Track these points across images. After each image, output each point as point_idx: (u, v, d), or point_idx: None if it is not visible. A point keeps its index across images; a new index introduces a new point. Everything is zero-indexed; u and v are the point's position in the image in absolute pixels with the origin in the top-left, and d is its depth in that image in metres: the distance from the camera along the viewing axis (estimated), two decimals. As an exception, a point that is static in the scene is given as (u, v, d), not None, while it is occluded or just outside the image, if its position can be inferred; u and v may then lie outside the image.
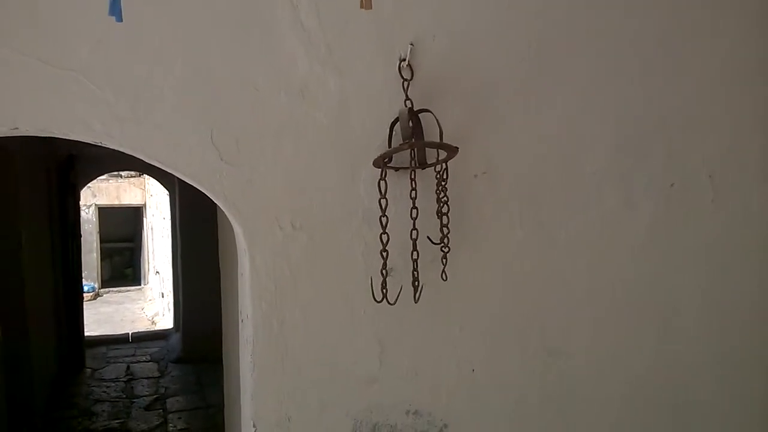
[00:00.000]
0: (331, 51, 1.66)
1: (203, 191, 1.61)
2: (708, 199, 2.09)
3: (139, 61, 1.48)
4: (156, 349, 7.85)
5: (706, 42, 2.04)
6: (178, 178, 5.40)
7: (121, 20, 1.16)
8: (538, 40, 1.85)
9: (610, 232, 1.99)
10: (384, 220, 1.63)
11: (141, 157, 1.53)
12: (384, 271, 1.64)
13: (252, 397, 1.65)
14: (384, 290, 1.65)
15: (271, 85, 1.61)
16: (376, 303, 1.71)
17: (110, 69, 1.46)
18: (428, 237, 1.72)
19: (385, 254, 1.64)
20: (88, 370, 6.95)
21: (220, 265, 3.03)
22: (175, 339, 7.85)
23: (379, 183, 1.63)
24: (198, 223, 6.97)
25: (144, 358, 7.45)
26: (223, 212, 2.66)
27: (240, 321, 1.79)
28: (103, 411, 5.70)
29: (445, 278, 1.74)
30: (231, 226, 1.80)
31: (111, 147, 1.49)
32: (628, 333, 2.05)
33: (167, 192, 8.67)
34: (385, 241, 1.63)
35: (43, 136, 1.47)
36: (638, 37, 1.96)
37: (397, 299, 1.67)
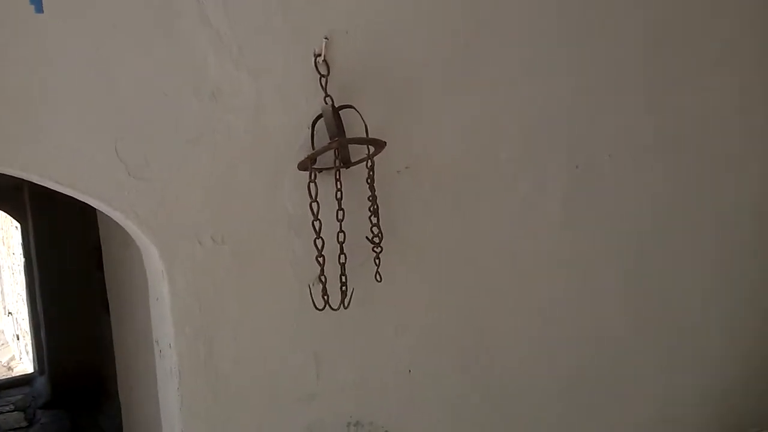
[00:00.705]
0: (242, 50, 1.54)
1: (109, 211, 1.43)
2: (610, 179, 2.19)
3: (27, 66, 1.28)
4: (19, 397, 7.05)
5: (598, 40, 2.13)
6: (30, 207, 4.90)
7: (42, 11, 0.98)
8: (456, 29, 1.83)
9: (526, 217, 2.02)
10: (317, 224, 1.54)
11: (35, 179, 1.33)
12: (323, 278, 1.55)
13: (182, 432, 1.49)
14: (325, 297, 1.56)
15: (180, 89, 1.47)
16: (309, 314, 1.61)
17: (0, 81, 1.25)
18: (367, 237, 1.65)
19: (321, 260, 1.55)
20: (-59, 430, 6.11)
21: (110, 296, 2.75)
22: (41, 383, 7.11)
23: (309, 186, 1.54)
24: (59, 253, 6.38)
25: (7, 408, 6.66)
26: (116, 236, 2.43)
27: (157, 352, 1.61)
28: (-34, 475, 5.02)
29: (379, 279, 1.68)
30: (132, 249, 1.63)
31: (1, 170, 1.28)
32: (549, 319, 2.09)
33: (18, 224, 7.85)
34: (320, 247, 1.54)
35: None
36: (543, 36, 2.00)
37: (341, 304, 1.58)
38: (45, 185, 1.36)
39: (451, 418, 1.90)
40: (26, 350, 9.38)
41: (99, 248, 5.32)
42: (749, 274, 2.57)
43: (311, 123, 1.62)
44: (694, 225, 2.39)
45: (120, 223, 1.50)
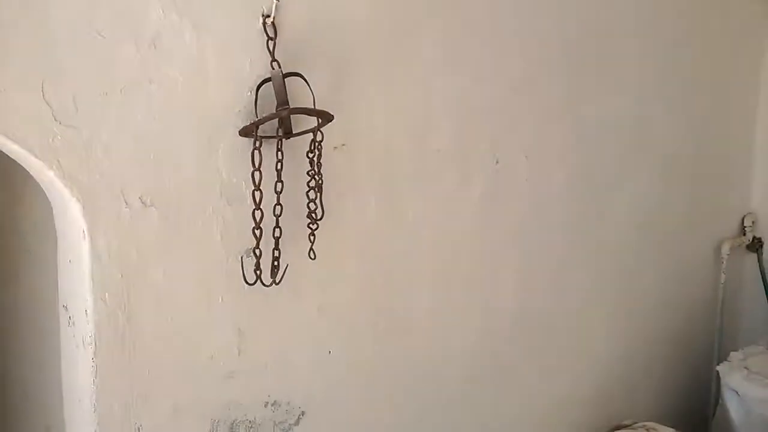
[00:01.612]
0: (187, -1, 1.42)
1: (25, 159, 1.27)
2: (524, 178, 2.28)
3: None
4: None
5: (527, 33, 2.21)
6: None
7: None
8: (398, 15, 1.82)
9: (449, 208, 2.06)
10: (258, 195, 1.46)
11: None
12: (258, 251, 1.48)
13: (93, 407, 1.37)
14: (258, 272, 1.49)
15: (118, 32, 1.32)
16: (235, 289, 1.54)
17: None
18: (310, 212, 1.59)
19: (258, 232, 1.47)
20: None
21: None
22: None
23: (252, 153, 1.45)
24: None
25: None
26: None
27: (67, 319, 1.46)
28: None
29: (313, 257, 1.63)
30: (24, 206, 1.46)
31: None
32: (461, 305, 2.15)
33: None
34: (258, 219, 1.47)
35: None
36: (475, 25, 2.04)
37: (272, 282, 1.52)
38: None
39: (366, 400, 1.90)
40: None
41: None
42: (632, 279, 2.81)
43: (255, 87, 1.53)
44: (587, 227, 2.57)
45: (35, 176, 1.33)
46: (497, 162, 2.19)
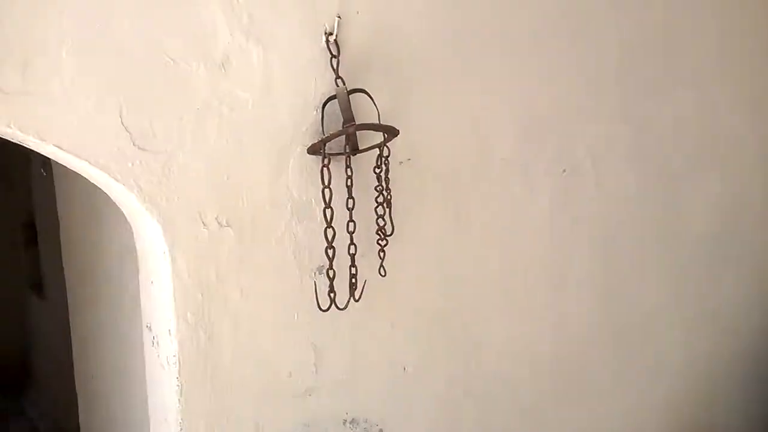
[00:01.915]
0: (252, 19, 1.44)
1: (107, 184, 1.31)
2: (592, 183, 2.22)
3: (30, 19, 1.15)
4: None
5: (590, 39, 2.15)
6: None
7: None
8: (456, 27, 1.80)
9: (517, 218, 2.02)
10: (329, 212, 1.46)
11: (31, 143, 1.20)
12: (331, 272, 1.48)
13: (179, 425, 1.39)
14: (332, 294, 1.48)
15: (188, 55, 1.36)
16: (309, 306, 1.55)
17: (-8, 27, 1.11)
18: (379, 229, 1.58)
19: (331, 252, 1.47)
20: None
21: (68, 277, 2.56)
22: (-45, 370, 6.63)
23: (322, 171, 1.46)
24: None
25: None
26: (75, 214, 2.26)
27: (151, 338, 1.50)
28: None
29: (383, 273, 1.62)
30: (105, 228, 1.51)
31: (-8, 128, 1.14)
32: (532, 318, 2.10)
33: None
34: (330, 237, 1.47)
35: None
36: (537, 32, 2.00)
37: (347, 304, 1.51)
38: (40, 150, 1.22)
39: (444, 417, 1.87)
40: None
41: (31, 225, 5.01)
42: (711, 284, 2.68)
43: (321, 105, 1.54)
44: (662, 232, 2.47)
45: (115, 199, 1.38)
46: (564, 169, 2.13)
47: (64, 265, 2.52)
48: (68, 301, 2.48)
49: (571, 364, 2.22)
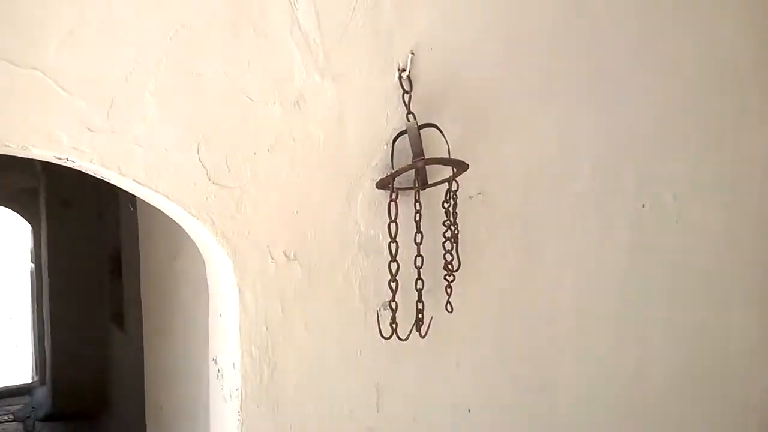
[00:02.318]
0: (329, 58, 1.48)
1: (182, 218, 1.35)
2: (674, 220, 2.12)
3: (116, 61, 1.21)
4: (19, 407, 6.90)
5: (667, 70, 2.08)
6: (46, 211, 4.84)
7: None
8: (528, 60, 1.78)
9: (593, 255, 1.94)
10: (394, 246, 1.45)
11: (113, 178, 1.26)
12: (394, 303, 1.46)
13: (240, 460, 1.39)
14: (393, 325, 1.46)
15: (265, 94, 1.40)
16: (372, 342, 1.52)
17: (82, 69, 1.18)
18: (445, 265, 1.56)
19: (394, 285, 1.46)
20: (-64, 436, 5.96)
21: (144, 308, 2.65)
22: (42, 393, 6.96)
23: (389, 205, 1.46)
24: (71, 260, 6.29)
25: (6, 418, 6.51)
26: (155, 246, 2.35)
27: (215, 371, 1.51)
28: (-38, 485, 4.86)
29: (450, 310, 1.59)
30: (181, 261, 1.54)
31: (77, 165, 1.21)
32: (608, 359, 2.00)
33: (31, 227, 7.78)
34: (394, 271, 1.46)
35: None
36: (609, 65, 1.95)
37: (410, 334, 1.49)
38: (120, 185, 1.28)
39: (509, 461, 1.79)
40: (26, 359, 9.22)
41: (117, 258, 5.25)
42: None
43: (392, 140, 1.55)
44: (750, 272, 2.32)
45: (190, 233, 1.42)
46: (644, 205, 2.05)
47: (142, 298, 2.62)
48: (143, 332, 2.56)
49: (651, 413, 2.09)
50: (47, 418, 6.31)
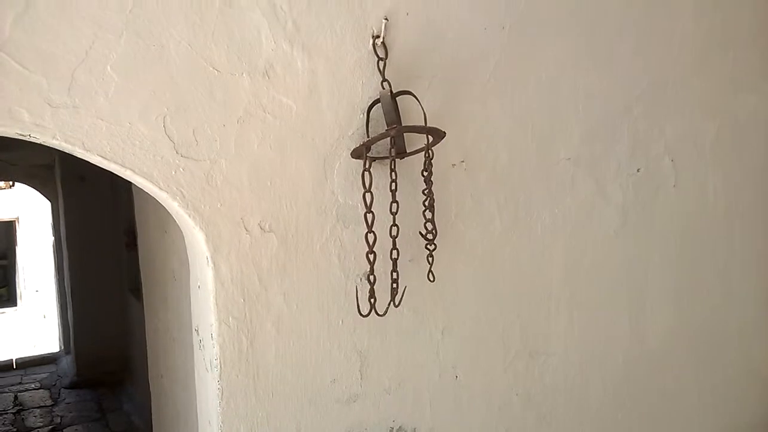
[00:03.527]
0: (298, 27, 1.45)
1: (154, 192, 1.35)
2: (671, 184, 2.07)
3: (75, 35, 1.20)
4: (45, 375, 7.10)
5: (665, 29, 2.02)
6: (62, 186, 4.89)
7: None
8: (510, 23, 1.73)
9: (585, 221, 1.92)
10: (370, 216, 1.44)
11: (78, 153, 1.25)
12: (372, 277, 1.45)
13: (219, 428, 1.41)
14: (372, 300, 1.46)
15: (232, 64, 1.38)
16: (354, 311, 1.52)
17: (40, 44, 1.17)
18: (421, 233, 1.55)
19: (372, 257, 1.45)
20: (-32, 404, 6.17)
21: (143, 279, 2.69)
22: (67, 362, 7.16)
23: (363, 175, 1.44)
24: (89, 234, 6.39)
25: (33, 386, 6.70)
26: (151, 218, 2.36)
27: (198, 341, 1.53)
28: (-9, 450, 5.05)
29: (432, 279, 1.58)
30: (170, 233, 1.55)
31: (41, 141, 1.20)
32: (602, 325, 1.99)
33: (49, 202, 7.90)
34: (372, 242, 1.45)
35: (-51, 127, 1.16)
36: (601, 22, 1.90)
37: (387, 310, 1.48)
38: (88, 159, 1.28)
39: (498, 425, 1.79)
40: (53, 329, 9.46)
41: (132, 231, 5.32)
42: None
43: (366, 108, 1.53)
44: (753, 232, 2.27)
45: (164, 205, 1.42)
46: (638, 169, 2.00)
47: (140, 270, 2.65)
48: (144, 304, 2.60)
49: (647, 380, 2.08)
50: (72, 386, 6.49)
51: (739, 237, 2.26)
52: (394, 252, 1.51)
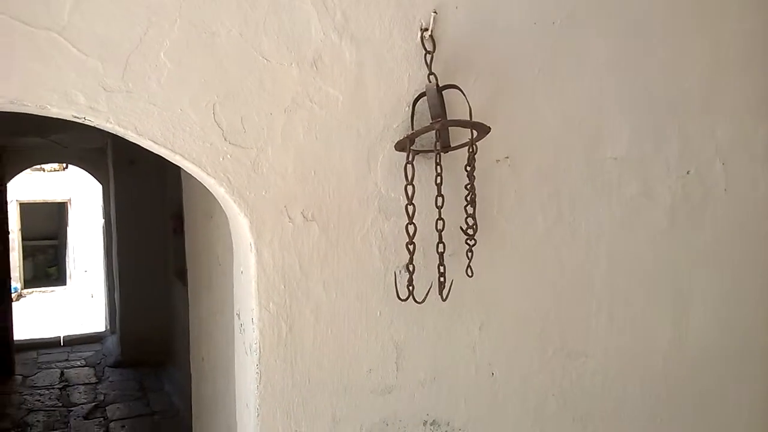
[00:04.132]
0: (347, 18, 1.46)
1: (202, 177, 1.38)
2: (721, 188, 2.02)
3: (130, 21, 1.24)
4: (91, 353, 7.36)
5: (718, 26, 1.96)
6: (113, 170, 5.03)
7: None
8: (561, 19, 1.71)
9: (630, 222, 1.88)
10: (411, 208, 1.45)
11: (130, 137, 1.29)
12: (411, 266, 1.46)
13: (257, 411, 1.44)
14: (410, 287, 1.47)
15: (281, 54, 1.40)
16: (392, 303, 1.53)
17: (97, 29, 1.21)
18: (461, 228, 1.55)
19: (411, 247, 1.45)
20: (19, 377, 6.43)
21: (189, 264, 2.76)
22: (112, 342, 7.39)
23: (405, 167, 1.44)
24: (137, 217, 6.58)
25: (78, 363, 6.96)
26: (199, 205, 2.42)
27: (239, 326, 1.57)
28: (38, 421, 5.26)
29: (470, 274, 1.58)
30: (216, 219, 1.58)
31: (95, 124, 1.25)
32: (644, 328, 1.94)
33: (101, 185, 8.16)
34: (411, 233, 1.45)
35: (11, 111, 1.21)
36: (653, 21, 1.85)
37: (426, 297, 1.49)
38: (140, 143, 1.32)
39: (533, 425, 1.78)
40: (100, 309, 9.76)
41: (180, 216, 5.46)
42: None
43: (412, 101, 1.53)
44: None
45: (211, 191, 1.45)
46: (688, 171, 1.95)
47: (186, 254, 2.72)
48: (188, 288, 2.66)
49: (687, 385, 2.03)
50: (116, 365, 6.71)
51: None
52: (440, 246, 1.51)
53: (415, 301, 1.47)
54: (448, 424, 1.66)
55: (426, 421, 1.63)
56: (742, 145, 2.04)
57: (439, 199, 1.50)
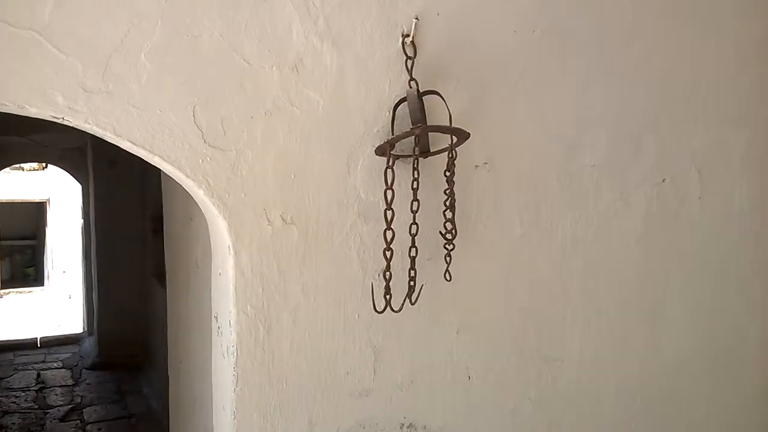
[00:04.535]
0: (329, 22, 1.47)
1: (181, 179, 1.38)
2: (696, 195, 2.05)
3: (112, 22, 1.24)
4: (68, 355, 7.27)
5: (695, 37, 2.00)
6: (93, 170, 4.97)
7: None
8: (542, 26, 1.73)
9: (606, 229, 1.90)
10: (389, 213, 1.46)
11: (109, 138, 1.29)
12: (388, 274, 1.46)
13: (233, 414, 1.44)
14: (387, 296, 1.47)
15: (263, 57, 1.41)
16: (370, 306, 1.53)
17: (77, 30, 1.21)
18: (440, 232, 1.56)
19: (389, 254, 1.46)
20: (-7, 379, 6.34)
21: (167, 266, 2.74)
22: (89, 344, 7.31)
23: (386, 172, 1.45)
24: (117, 218, 6.52)
25: (55, 365, 6.87)
26: (178, 205, 2.41)
27: (216, 328, 1.56)
28: (14, 424, 5.18)
29: (449, 278, 1.59)
30: (195, 221, 1.58)
31: (73, 124, 1.24)
32: (619, 334, 1.97)
33: (80, 185, 8.07)
34: (389, 239, 1.46)
35: (-13, 108, 1.21)
36: (632, 31, 1.88)
37: (402, 306, 1.50)
38: (119, 144, 1.31)
39: (509, 428, 1.80)
40: (76, 310, 9.64)
41: (159, 217, 5.44)
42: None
43: (393, 106, 1.54)
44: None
45: (190, 193, 1.45)
46: (664, 179, 1.99)
47: (165, 256, 2.70)
48: (167, 290, 2.65)
49: (662, 391, 2.06)
50: (93, 367, 6.63)
51: (763, 253, 2.22)
52: (413, 250, 1.52)
53: (393, 310, 1.48)
54: (424, 428, 1.67)
55: (403, 424, 1.64)
56: (717, 154, 2.08)
57: (415, 204, 1.51)
